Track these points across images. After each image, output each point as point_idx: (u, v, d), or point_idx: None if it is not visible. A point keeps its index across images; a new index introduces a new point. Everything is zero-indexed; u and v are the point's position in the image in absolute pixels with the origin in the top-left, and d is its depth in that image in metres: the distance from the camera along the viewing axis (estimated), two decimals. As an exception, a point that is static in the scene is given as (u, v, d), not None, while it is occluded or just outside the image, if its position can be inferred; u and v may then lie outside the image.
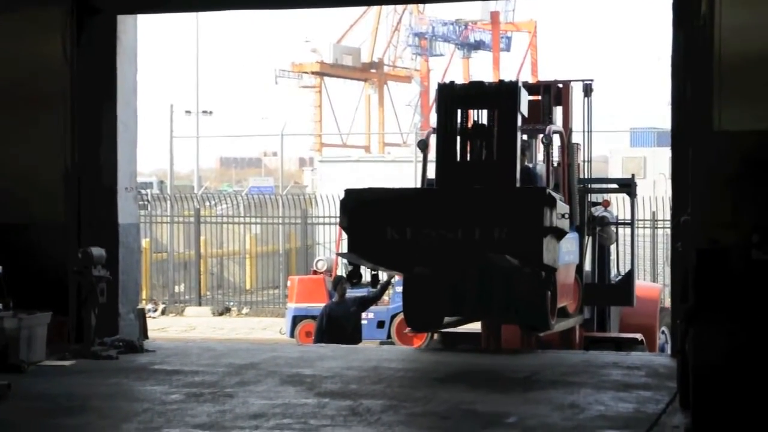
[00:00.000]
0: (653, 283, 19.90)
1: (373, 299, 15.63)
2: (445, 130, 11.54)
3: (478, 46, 63.24)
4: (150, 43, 48.75)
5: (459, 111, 11.59)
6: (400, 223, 10.65)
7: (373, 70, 63.18)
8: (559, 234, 10.81)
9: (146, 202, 27.10)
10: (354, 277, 11.45)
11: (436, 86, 12.29)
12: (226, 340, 19.75)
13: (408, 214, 10.73)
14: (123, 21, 12.45)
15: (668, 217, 15.34)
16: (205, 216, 27.52)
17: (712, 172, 8.81)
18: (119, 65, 12.37)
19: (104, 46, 12.28)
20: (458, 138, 11.52)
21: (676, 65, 10.94)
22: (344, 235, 11.95)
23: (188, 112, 48.77)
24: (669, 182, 11.90)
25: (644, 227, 23.93)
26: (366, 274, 12.58)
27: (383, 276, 14.43)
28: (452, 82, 12.22)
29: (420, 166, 12.82)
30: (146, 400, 8.90)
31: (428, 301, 11.82)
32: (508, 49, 62.70)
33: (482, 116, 11.68)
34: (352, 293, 15.90)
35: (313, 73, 60.45)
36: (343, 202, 11.05)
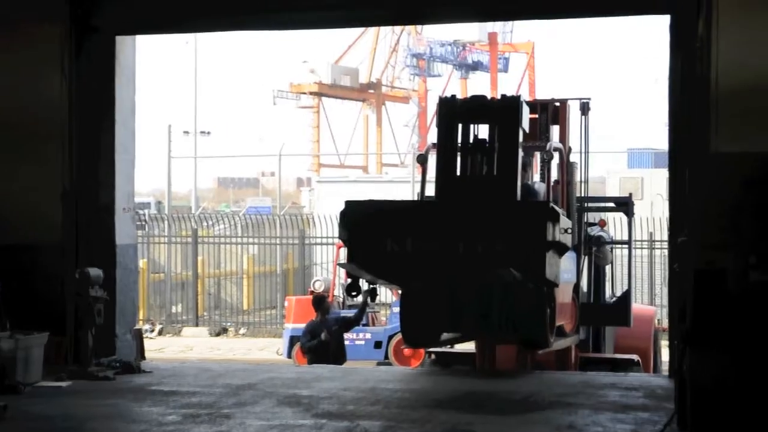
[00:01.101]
0: (648, 306, 19.83)
1: (355, 321, 15.50)
2: (445, 144, 11.41)
3: (476, 66, 63.36)
4: (148, 64, 48.84)
5: (460, 126, 11.43)
6: (400, 236, 10.52)
7: (371, 91, 63.28)
8: (562, 249, 10.71)
9: (144, 223, 27.09)
10: (353, 290, 11.25)
11: (437, 101, 12.15)
12: (224, 361, 19.72)
13: (409, 227, 10.61)
14: (121, 41, 12.47)
15: (665, 237, 15.33)
16: (202, 236, 27.52)
17: (709, 194, 8.82)
18: (117, 86, 12.39)
19: (102, 67, 12.30)
20: (458, 153, 11.37)
21: (673, 87, 10.96)
22: (341, 256, 11.87)
23: (186, 132, 48.90)
24: (666, 203, 11.90)
25: (642, 248, 23.93)
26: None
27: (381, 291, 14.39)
28: (453, 96, 12.05)
29: (418, 185, 12.76)
30: (143, 421, 8.88)
31: (426, 316, 11.65)
32: (505, 69, 62.84)
33: (481, 132, 11.50)
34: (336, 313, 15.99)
35: (311, 93, 60.54)
36: (342, 214, 10.90)
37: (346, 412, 9.27)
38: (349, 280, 11.27)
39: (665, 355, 13.77)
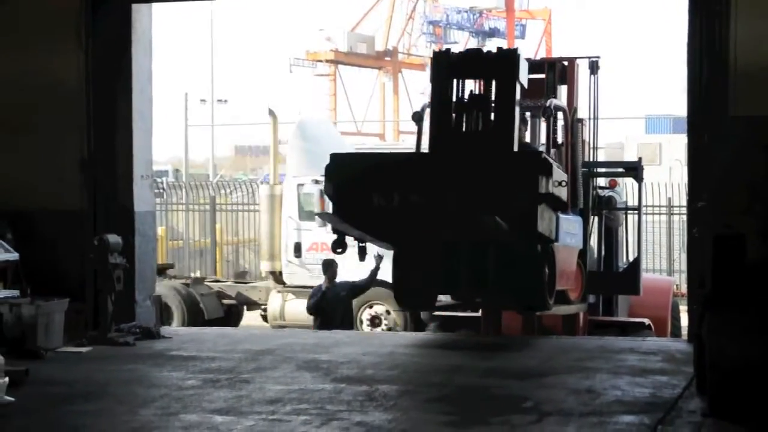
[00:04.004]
0: (666, 276, 19.64)
1: (364, 287, 15.02)
2: (440, 99, 10.92)
3: (493, 33, 63.09)
4: (165, 32, 48.91)
5: (455, 80, 10.92)
6: (387, 189, 10.07)
7: (387, 58, 63.06)
8: (556, 203, 10.28)
9: (162, 190, 27.14)
10: (338, 247, 10.79)
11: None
12: (242, 326, 19.78)
13: (396, 180, 10.17)
14: (137, 10, 12.47)
15: (684, 203, 15.25)
16: (220, 204, 27.56)
17: (727, 159, 8.81)
18: (134, 54, 12.39)
19: (119, 35, 12.31)
20: (453, 108, 10.87)
21: (691, 51, 10.90)
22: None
23: (203, 100, 48.99)
24: (685, 169, 11.84)
25: (660, 214, 23.88)
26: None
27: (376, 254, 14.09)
28: (448, 50, 11.66)
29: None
30: (163, 386, 8.94)
31: (419, 278, 11.19)
32: (522, 36, 62.54)
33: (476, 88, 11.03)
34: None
35: (327, 61, 60.37)
36: (327, 168, 10.43)
37: (365, 376, 9.31)
38: (335, 235, 10.76)
39: (684, 320, 13.75)
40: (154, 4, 12.85)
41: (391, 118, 61.32)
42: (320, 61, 60.52)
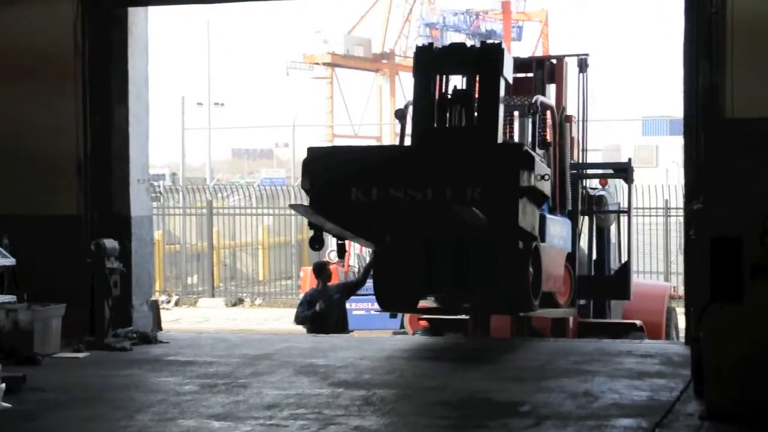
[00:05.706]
0: (663, 282, 19.55)
1: (357, 285, 14.76)
2: (422, 95, 10.74)
3: (489, 35, 62.93)
4: (161, 36, 48.84)
5: (438, 75, 10.76)
6: (365, 184, 9.89)
7: (384, 61, 63.05)
8: (538, 197, 10.05)
9: (159, 194, 27.18)
10: (316, 243, 10.56)
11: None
12: (240, 331, 19.78)
13: (374, 175, 9.97)
14: (134, 13, 12.46)
15: (681, 205, 15.21)
16: (217, 208, 27.58)
17: (723, 160, 8.79)
18: (130, 57, 12.37)
19: (115, 39, 12.30)
20: (436, 103, 10.68)
21: (688, 53, 10.90)
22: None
23: (200, 104, 48.93)
24: (681, 170, 11.83)
25: (657, 216, 23.92)
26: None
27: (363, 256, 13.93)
28: (431, 44, 11.48)
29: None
30: (160, 391, 8.93)
31: (401, 278, 10.95)
32: (519, 38, 62.53)
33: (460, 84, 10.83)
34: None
35: (324, 64, 60.37)
36: (305, 162, 10.31)
37: (362, 381, 9.30)
38: (312, 231, 10.51)
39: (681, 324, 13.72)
40: (150, 8, 12.85)
41: (388, 120, 61.27)
42: (317, 63, 60.52)
